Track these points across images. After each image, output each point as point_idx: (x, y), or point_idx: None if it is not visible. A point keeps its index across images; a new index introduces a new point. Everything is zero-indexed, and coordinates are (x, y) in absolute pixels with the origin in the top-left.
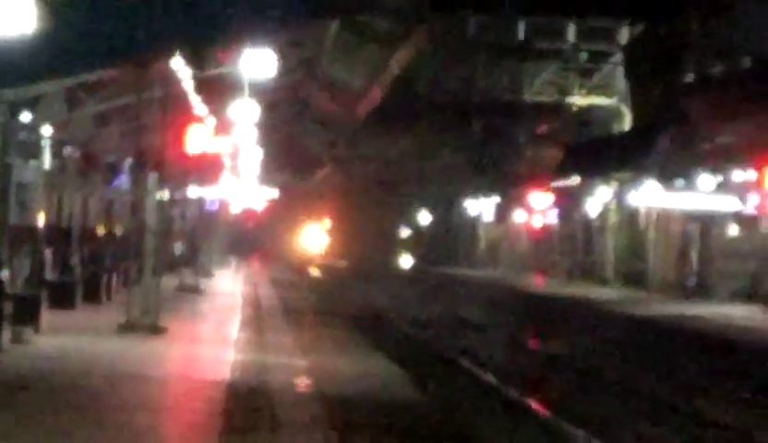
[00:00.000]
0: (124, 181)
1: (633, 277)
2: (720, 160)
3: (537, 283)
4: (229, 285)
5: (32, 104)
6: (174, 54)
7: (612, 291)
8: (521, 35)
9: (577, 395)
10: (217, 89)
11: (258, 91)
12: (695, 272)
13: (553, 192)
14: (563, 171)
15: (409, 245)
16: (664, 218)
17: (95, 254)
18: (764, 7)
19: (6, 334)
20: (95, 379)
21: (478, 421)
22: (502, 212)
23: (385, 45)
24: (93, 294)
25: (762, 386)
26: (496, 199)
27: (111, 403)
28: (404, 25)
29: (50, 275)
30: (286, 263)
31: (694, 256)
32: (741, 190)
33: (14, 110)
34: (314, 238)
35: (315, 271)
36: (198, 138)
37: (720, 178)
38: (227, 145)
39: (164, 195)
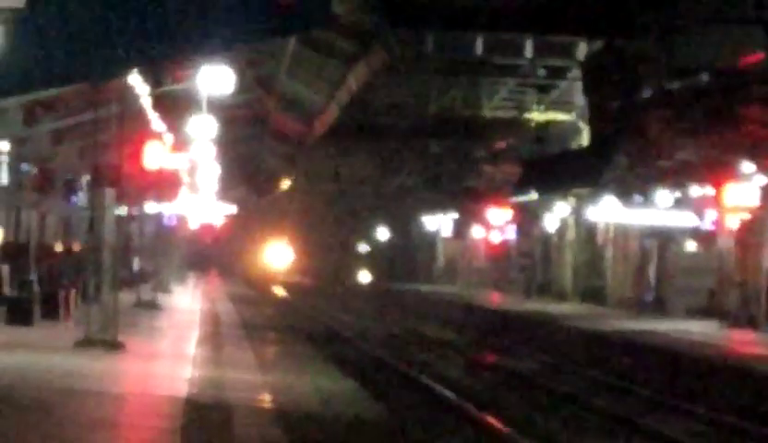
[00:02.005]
0: (81, 197)
1: (591, 292)
2: (678, 176)
3: (495, 299)
4: (188, 301)
5: None
6: (131, 72)
7: (570, 306)
8: (478, 51)
9: (531, 410)
10: (174, 106)
11: (216, 108)
12: (652, 288)
13: (511, 208)
14: (521, 187)
15: (367, 261)
16: (622, 233)
17: (53, 270)
18: (722, 24)
19: None
20: (51, 395)
21: (434, 437)
22: (460, 228)
23: (342, 62)
24: (51, 311)
25: (716, 400)
26: (454, 215)
27: (66, 419)
28: (362, 42)
29: (7, 291)
30: (246, 279)
31: (652, 271)
32: (699, 206)
33: None
34: (277, 254)
35: (275, 288)
36: (155, 155)
37: (678, 194)
38: (185, 161)
39: (122, 211)
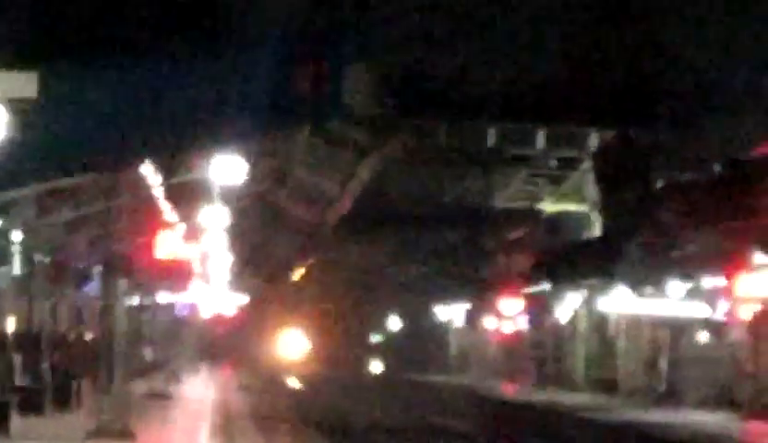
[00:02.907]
0: (94, 287)
1: (603, 383)
2: (690, 266)
3: (508, 390)
4: (200, 391)
5: (3, 210)
6: (143, 162)
7: (582, 397)
8: (490, 142)
9: None
10: (187, 195)
11: (228, 197)
12: (665, 379)
13: (523, 298)
14: (533, 277)
15: (380, 350)
16: (633, 324)
17: (65, 359)
18: (734, 115)
19: None
20: None
21: None
22: (473, 318)
23: (355, 152)
24: (63, 400)
25: None
26: (466, 305)
27: None
28: (374, 132)
29: (19, 381)
30: (259, 370)
31: (664, 362)
32: (711, 297)
33: None
34: (291, 344)
35: (287, 378)
36: (167, 244)
37: (690, 285)
38: (197, 251)
39: (135, 300)
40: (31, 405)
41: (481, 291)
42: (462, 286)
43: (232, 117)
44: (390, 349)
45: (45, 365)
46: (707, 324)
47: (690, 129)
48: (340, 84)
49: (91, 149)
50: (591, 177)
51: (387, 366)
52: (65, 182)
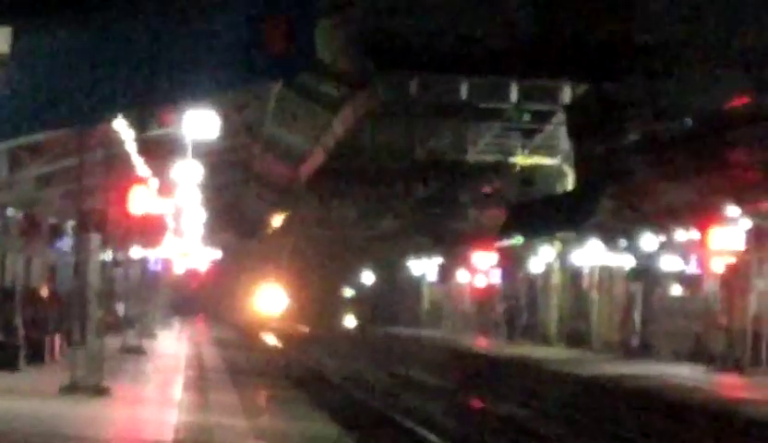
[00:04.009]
0: (66, 242)
1: (576, 337)
2: (663, 219)
3: (480, 343)
4: (173, 346)
5: None
6: (116, 117)
7: (555, 350)
8: (463, 95)
9: None
10: (160, 151)
11: (202, 153)
12: (638, 332)
13: (496, 252)
14: (506, 231)
15: (353, 305)
16: (607, 277)
17: (38, 315)
18: (707, 68)
19: None
20: (37, 441)
21: None
22: (446, 272)
23: (328, 107)
24: (37, 356)
25: None
26: (439, 259)
27: None
28: (348, 87)
29: None
30: (234, 325)
31: (637, 315)
32: (684, 250)
33: None
34: (267, 300)
35: (261, 333)
36: (140, 199)
37: (663, 238)
38: (170, 206)
39: (107, 256)
40: (5, 361)
41: (454, 245)
42: (435, 240)
43: (204, 71)
44: (363, 303)
45: (18, 321)
46: (680, 277)
47: (663, 82)
48: (312, 38)
49: (64, 103)
50: (563, 131)
51: (360, 321)
52: (37, 137)
